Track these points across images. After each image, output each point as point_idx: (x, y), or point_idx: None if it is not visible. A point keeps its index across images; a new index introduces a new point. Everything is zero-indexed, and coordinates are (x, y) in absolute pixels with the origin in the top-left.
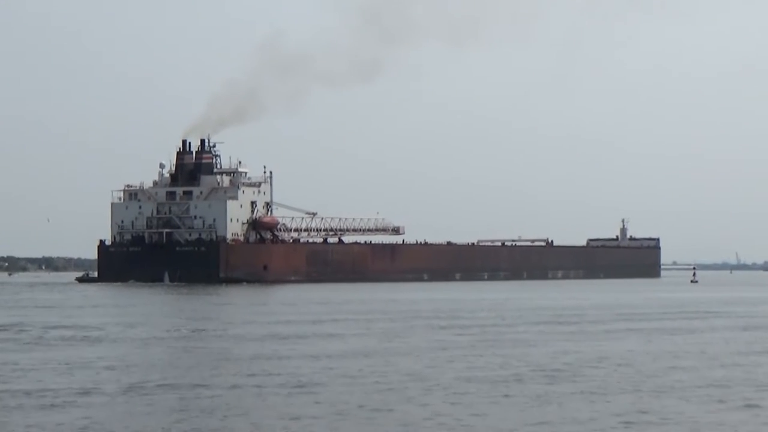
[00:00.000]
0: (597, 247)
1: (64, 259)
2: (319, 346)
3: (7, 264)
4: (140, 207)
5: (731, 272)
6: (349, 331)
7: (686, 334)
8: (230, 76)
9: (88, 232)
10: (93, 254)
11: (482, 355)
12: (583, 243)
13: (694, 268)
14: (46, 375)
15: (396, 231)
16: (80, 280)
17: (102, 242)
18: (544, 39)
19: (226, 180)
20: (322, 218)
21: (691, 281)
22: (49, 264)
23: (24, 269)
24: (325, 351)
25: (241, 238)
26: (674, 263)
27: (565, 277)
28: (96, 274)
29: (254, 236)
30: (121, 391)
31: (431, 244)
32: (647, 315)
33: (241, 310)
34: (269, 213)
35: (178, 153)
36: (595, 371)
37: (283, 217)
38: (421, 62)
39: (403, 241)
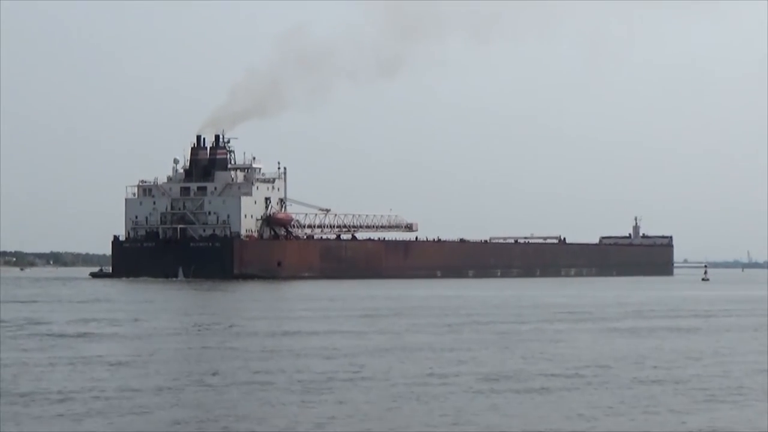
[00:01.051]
0: (610, 245)
1: (72, 254)
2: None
3: (15, 259)
4: (154, 202)
5: (743, 270)
6: (397, 328)
7: (717, 333)
8: (247, 71)
9: (99, 228)
10: (103, 250)
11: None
12: (596, 241)
13: (705, 266)
14: (55, 374)
15: (409, 228)
16: (94, 275)
17: (116, 238)
18: (569, 35)
19: (240, 176)
20: (336, 215)
21: (703, 279)
22: (57, 259)
23: (32, 264)
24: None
25: (255, 234)
26: (685, 261)
27: (578, 274)
28: (110, 270)
29: (268, 232)
30: (151, 390)
31: (444, 242)
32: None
33: (260, 305)
34: (283, 209)
35: (192, 148)
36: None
37: (296, 213)
38: (443, 57)
39: (416, 238)
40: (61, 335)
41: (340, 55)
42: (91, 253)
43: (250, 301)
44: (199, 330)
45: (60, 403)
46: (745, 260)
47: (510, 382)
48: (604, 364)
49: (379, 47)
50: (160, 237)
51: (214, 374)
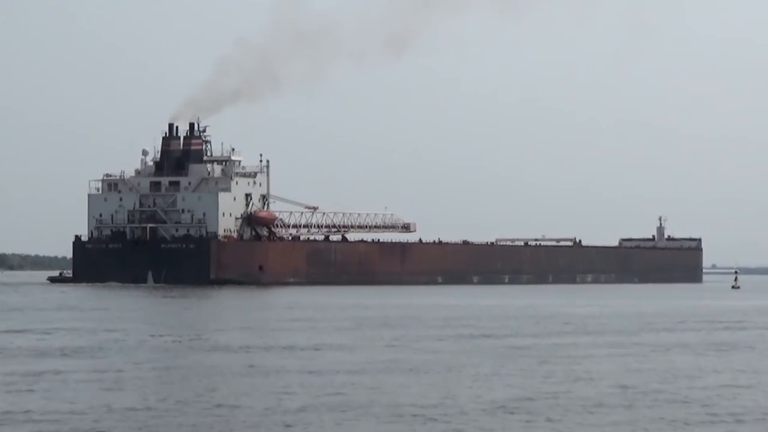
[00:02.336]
0: (631, 248)
1: (19, 256)
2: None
3: None
4: (121, 199)
5: None
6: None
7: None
8: (225, 52)
9: (55, 227)
10: (61, 251)
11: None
12: (615, 243)
13: (735, 272)
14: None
15: (406, 228)
16: (53, 280)
17: (77, 238)
18: (603, 18)
19: (217, 169)
20: (324, 213)
21: (732, 287)
22: (2, 262)
23: None
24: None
25: (235, 235)
26: (713, 266)
27: (596, 281)
28: (71, 274)
29: (249, 233)
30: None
31: (446, 244)
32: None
33: (236, 316)
34: (266, 207)
35: (163, 138)
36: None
37: (280, 211)
38: (460, 35)
39: (417, 239)
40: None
41: (341, 29)
42: (42, 255)
43: (226, 311)
44: (158, 345)
45: None
46: None
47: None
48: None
49: (389, 20)
50: (128, 237)
51: (163, 400)
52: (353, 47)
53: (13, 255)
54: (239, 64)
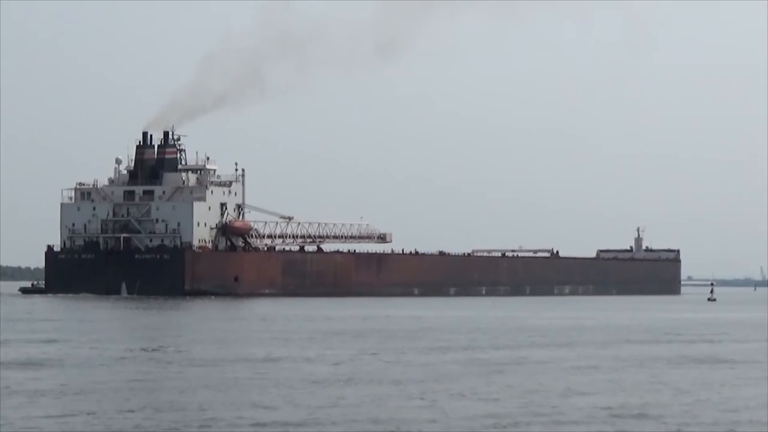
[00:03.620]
0: (609, 259)
1: None
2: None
3: None
4: (94, 208)
5: (755, 289)
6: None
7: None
8: (209, 53)
9: (25, 237)
10: (30, 262)
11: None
12: (593, 254)
13: (712, 284)
14: None
15: (382, 239)
16: (25, 291)
17: (50, 248)
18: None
19: (192, 178)
20: (299, 223)
21: (708, 299)
22: None
23: None
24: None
25: (209, 245)
26: (689, 278)
27: (573, 293)
28: (43, 284)
29: (224, 243)
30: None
31: (423, 255)
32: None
33: (210, 327)
34: (241, 216)
35: (137, 147)
36: None
37: (255, 221)
38: (451, 41)
39: (392, 250)
40: None
41: (328, 34)
42: (13, 265)
43: (199, 322)
44: (123, 358)
45: None
46: (758, 277)
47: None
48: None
49: (376, 26)
50: (101, 248)
51: (130, 411)
52: (339, 53)
53: None
54: (224, 66)
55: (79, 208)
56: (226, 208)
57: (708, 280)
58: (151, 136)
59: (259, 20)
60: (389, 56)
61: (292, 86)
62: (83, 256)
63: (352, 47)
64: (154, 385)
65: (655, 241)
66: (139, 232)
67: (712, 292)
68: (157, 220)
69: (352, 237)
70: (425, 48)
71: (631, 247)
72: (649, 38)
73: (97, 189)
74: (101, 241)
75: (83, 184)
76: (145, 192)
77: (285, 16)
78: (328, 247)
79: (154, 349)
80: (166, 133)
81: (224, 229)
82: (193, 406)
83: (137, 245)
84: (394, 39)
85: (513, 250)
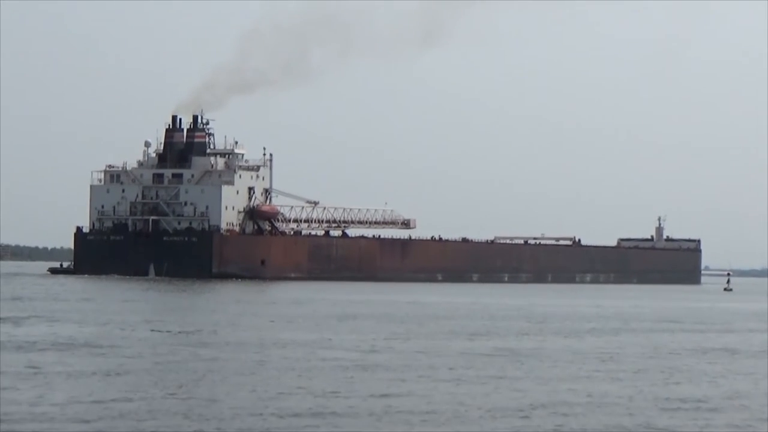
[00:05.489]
0: (629, 248)
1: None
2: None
3: None
4: (123, 190)
5: None
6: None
7: None
8: (245, 32)
9: (55, 218)
10: (58, 242)
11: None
12: (614, 243)
13: (728, 274)
14: None
15: (406, 224)
16: (54, 271)
17: (79, 229)
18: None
19: (220, 162)
20: (325, 208)
21: (725, 289)
22: None
23: None
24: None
25: (237, 229)
26: (706, 268)
27: (594, 281)
28: (71, 265)
29: (251, 227)
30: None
31: (446, 241)
32: None
33: (240, 311)
34: (268, 201)
35: (167, 130)
36: None
37: (281, 205)
38: (487, 29)
39: (410, 236)
40: None
41: (371, 20)
42: (22, 245)
43: (231, 305)
44: (156, 339)
45: None
46: None
47: None
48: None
49: (422, 12)
50: (130, 229)
51: (164, 395)
52: (383, 40)
53: (5, 245)
54: (266, 45)
55: (108, 190)
56: (253, 192)
57: (725, 270)
58: (180, 119)
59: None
60: (432, 44)
61: (329, 71)
62: (112, 238)
63: (396, 34)
64: (183, 367)
65: (676, 230)
66: (167, 214)
67: (728, 282)
68: (185, 203)
69: (377, 222)
70: (462, 38)
71: (652, 237)
72: (683, 34)
73: (126, 171)
74: (130, 223)
75: (113, 167)
76: (174, 175)
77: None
78: (352, 232)
79: (186, 332)
80: (195, 117)
81: (252, 213)
82: (221, 391)
83: (165, 228)
84: (437, 27)
85: (535, 238)
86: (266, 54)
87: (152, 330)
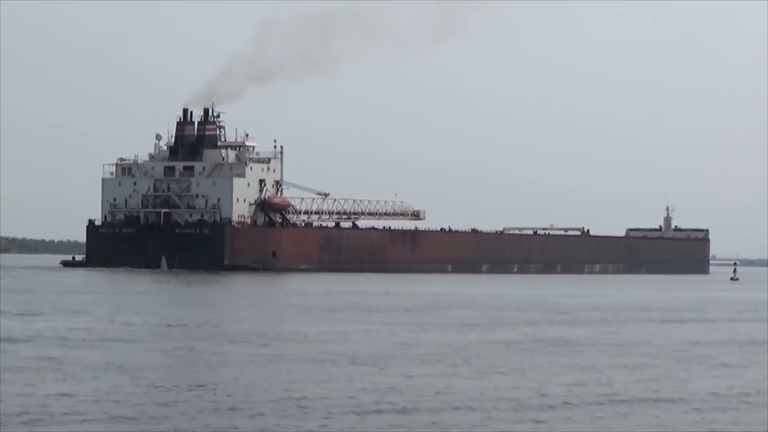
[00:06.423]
0: (638, 238)
1: (6, 239)
2: None
3: None
4: (135, 183)
5: None
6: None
7: None
8: (269, 20)
9: (67, 210)
10: (70, 235)
11: None
12: (622, 233)
13: (735, 264)
14: None
15: (416, 216)
16: (66, 264)
17: (91, 222)
18: None
19: (231, 155)
20: (335, 200)
21: (731, 278)
22: None
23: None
24: None
25: (248, 221)
26: (713, 257)
27: (603, 271)
28: (83, 258)
29: (262, 219)
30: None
31: (456, 232)
32: None
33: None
34: (279, 193)
35: (178, 123)
36: None
37: (292, 197)
38: (475, 31)
39: (419, 228)
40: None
41: (391, 10)
42: (27, 237)
43: (246, 297)
44: (164, 333)
45: None
46: None
47: None
48: None
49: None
50: (141, 222)
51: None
52: (402, 30)
53: (11, 239)
54: (284, 34)
55: (120, 183)
56: (264, 185)
57: (731, 260)
58: (191, 112)
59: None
60: (448, 37)
61: (344, 62)
62: (124, 231)
63: (414, 25)
64: (193, 358)
65: (684, 220)
66: (179, 207)
67: (735, 271)
68: (197, 196)
69: (386, 214)
70: (479, 30)
71: (660, 227)
72: (694, 25)
73: (137, 164)
74: (142, 215)
75: (124, 160)
76: (185, 168)
77: None
78: (362, 223)
79: (198, 324)
80: (206, 110)
81: (263, 205)
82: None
83: (177, 220)
84: (454, 20)
85: (544, 229)
86: (284, 43)
87: (165, 324)
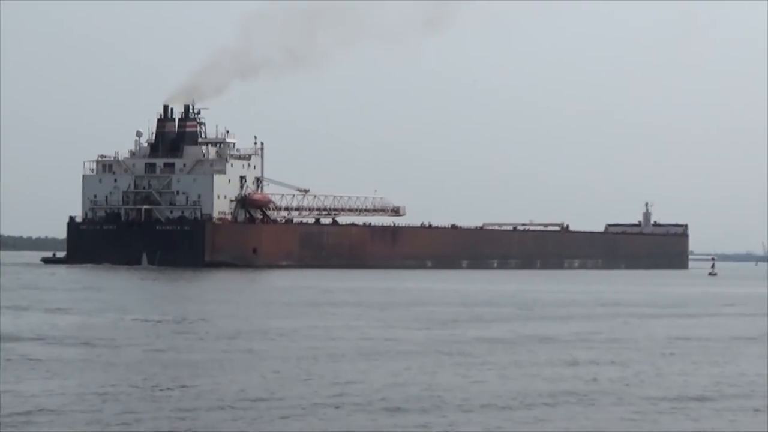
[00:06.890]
0: (617, 233)
1: None
2: None
3: None
4: (115, 180)
5: (756, 264)
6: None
7: None
8: (251, 17)
9: (47, 207)
10: (50, 232)
11: None
12: (602, 228)
13: (713, 259)
14: None
15: (396, 212)
16: (46, 261)
17: (72, 219)
18: None
19: (212, 151)
20: (315, 196)
21: (709, 273)
22: None
23: None
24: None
25: (229, 217)
26: (691, 252)
27: (583, 266)
28: (63, 255)
29: (243, 215)
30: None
31: (436, 228)
32: None
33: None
34: (260, 189)
35: (158, 120)
36: None
37: (273, 194)
38: (454, 27)
39: (398, 224)
40: None
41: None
42: (28, 236)
43: (228, 293)
44: (148, 329)
45: None
46: (759, 252)
47: None
48: None
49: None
50: (122, 219)
51: (152, 387)
52: (388, 25)
53: None
54: (269, 29)
55: (100, 180)
56: (245, 181)
57: (709, 255)
58: (171, 109)
59: None
60: (433, 32)
61: (329, 57)
62: (105, 227)
63: (400, 19)
64: (175, 356)
65: (663, 216)
66: (159, 204)
67: (713, 266)
68: (177, 192)
69: (367, 210)
70: (463, 24)
71: (640, 222)
72: (678, 22)
73: (118, 161)
74: (122, 212)
75: (105, 157)
76: (165, 164)
77: None
78: (342, 219)
79: (177, 321)
80: (186, 107)
81: (243, 202)
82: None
83: (158, 217)
84: (441, 15)
85: (524, 224)
86: (271, 38)
87: (143, 320)
